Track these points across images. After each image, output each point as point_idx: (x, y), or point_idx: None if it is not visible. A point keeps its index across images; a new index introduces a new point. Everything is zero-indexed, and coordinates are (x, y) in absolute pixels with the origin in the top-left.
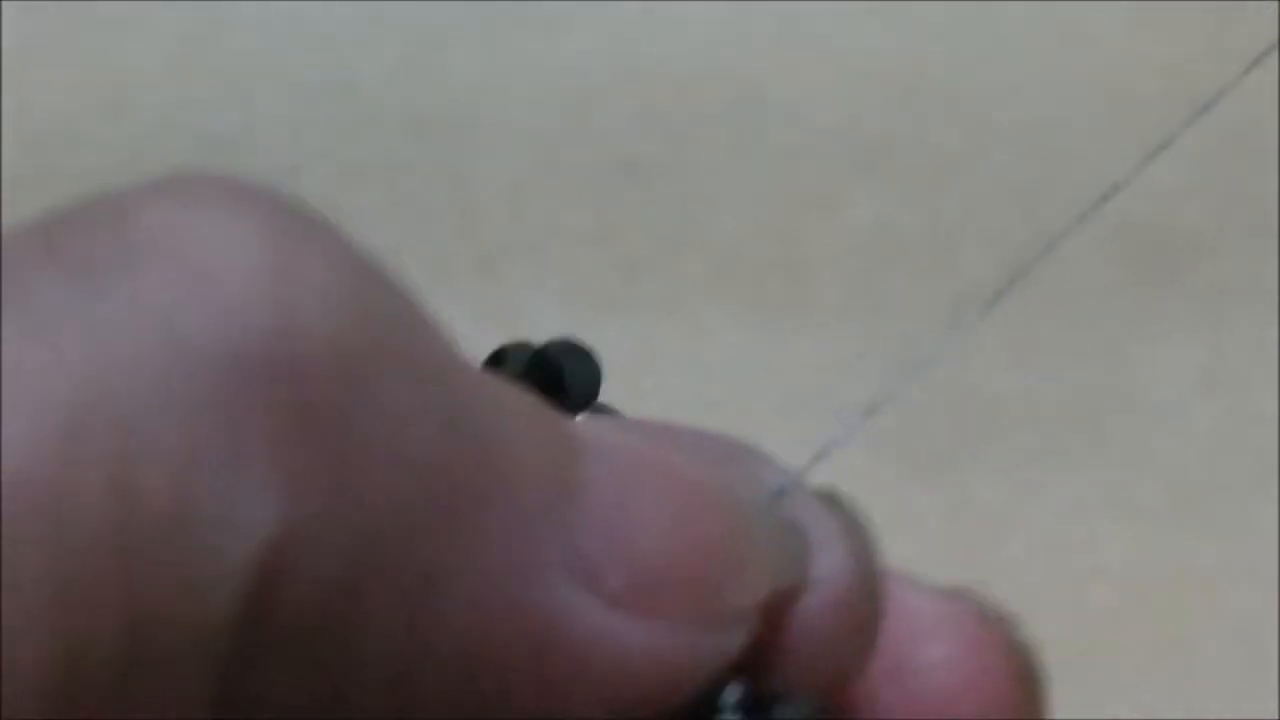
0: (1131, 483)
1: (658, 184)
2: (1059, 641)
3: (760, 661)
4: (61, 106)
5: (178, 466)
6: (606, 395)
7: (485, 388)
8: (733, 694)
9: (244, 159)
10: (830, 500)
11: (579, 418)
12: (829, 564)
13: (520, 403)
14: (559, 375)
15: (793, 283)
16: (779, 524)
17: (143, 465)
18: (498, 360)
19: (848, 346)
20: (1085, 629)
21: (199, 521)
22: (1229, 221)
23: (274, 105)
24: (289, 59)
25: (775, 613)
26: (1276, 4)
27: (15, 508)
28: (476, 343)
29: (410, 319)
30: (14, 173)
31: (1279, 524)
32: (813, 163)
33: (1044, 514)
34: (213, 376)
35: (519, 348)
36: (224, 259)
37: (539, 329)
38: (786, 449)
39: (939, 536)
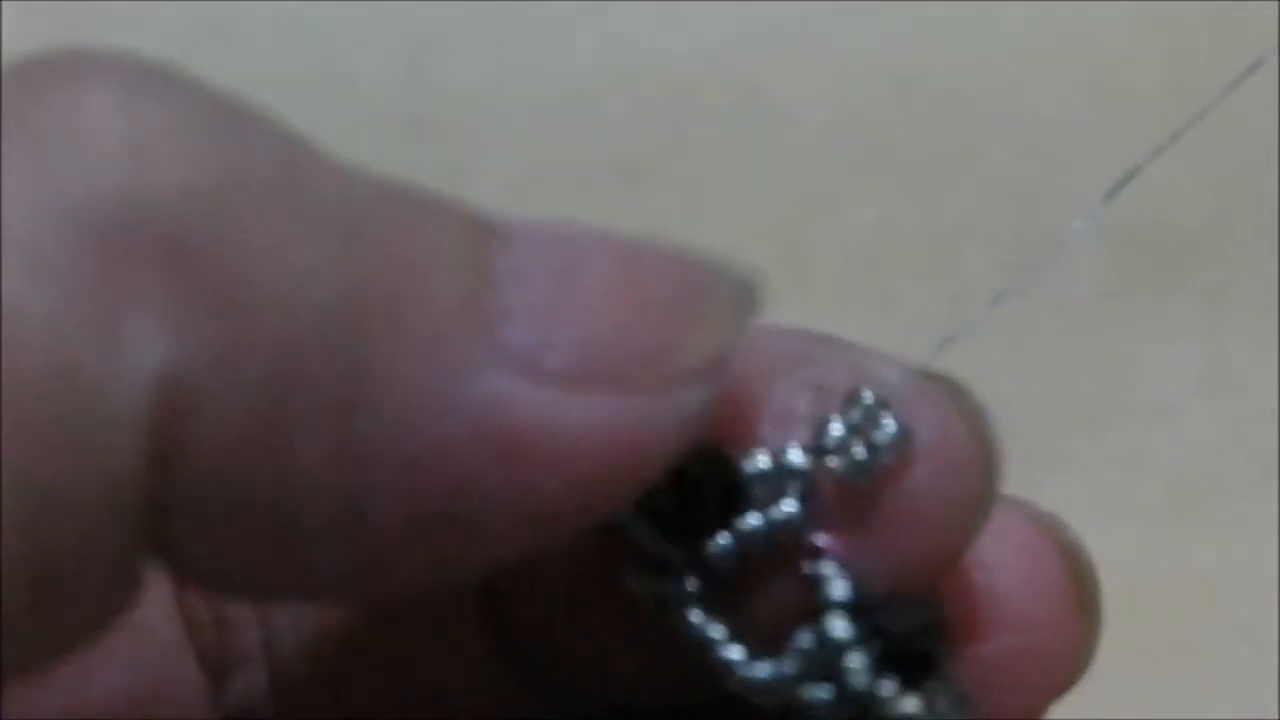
0: (1131, 483)
1: (658, 184)
2: None
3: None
4: None
5: (52, 324)
6: None
7: (387, 198)
8: (840, 590)
9: None
10: (940, 379)
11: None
12: (937, 425)
13: (427, 203)
14: None
15: (793, 283)
16: (729, 279)
17: (18, 328)
18: None
19: None
20: None
21: (81, 373)
22: (1229, 221)
23: (274, 105)
24: (289, 59)
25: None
26: (1277, 4)
27: None
28: None
29: (283, 154)
30: None
31: (1279, 524)
32: (813, 163)
33: None
34: (76, 237)
35: None
36: (75, 126)
37: None
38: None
39: None
